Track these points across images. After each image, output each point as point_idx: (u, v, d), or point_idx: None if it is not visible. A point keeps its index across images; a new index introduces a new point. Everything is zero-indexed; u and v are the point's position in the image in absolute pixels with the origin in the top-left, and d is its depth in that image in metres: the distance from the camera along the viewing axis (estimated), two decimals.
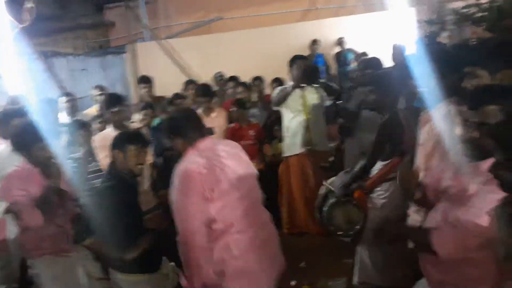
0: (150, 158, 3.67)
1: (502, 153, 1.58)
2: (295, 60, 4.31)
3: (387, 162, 2.92)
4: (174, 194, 2.10)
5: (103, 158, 3.65)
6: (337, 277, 3.49)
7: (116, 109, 3.72)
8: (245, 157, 2.35)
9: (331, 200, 3.15)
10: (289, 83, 4.41)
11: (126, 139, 2.52)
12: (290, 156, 4.39)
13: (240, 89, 5.17)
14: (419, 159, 2.39)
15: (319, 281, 3.53)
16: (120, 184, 2.42)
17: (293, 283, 3.55)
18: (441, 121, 2.17)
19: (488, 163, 1.65)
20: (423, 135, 2.35)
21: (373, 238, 3.01)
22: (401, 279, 2.75)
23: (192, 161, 2.11)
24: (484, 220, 1.60)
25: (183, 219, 2.06)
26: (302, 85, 4.23)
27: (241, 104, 4.70)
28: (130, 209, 2.38)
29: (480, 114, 1.66)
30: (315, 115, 4.33)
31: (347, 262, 3.72)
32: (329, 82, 4.55)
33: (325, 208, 3.18)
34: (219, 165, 2.14)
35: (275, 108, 4.53)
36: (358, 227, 3.07)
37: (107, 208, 2.32)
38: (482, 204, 1.62)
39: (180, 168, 2.11)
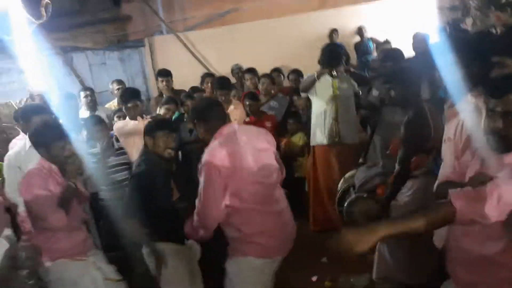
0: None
1: None
2: (326, 47, 4.24)
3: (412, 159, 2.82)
4: (200, 173, 2.31)
5: (124, 144, 3.76)
6: (359, 273, 3.43)
7: (131, 104, 3.77)
8: (266, 141, 2.50)
9: (352, 196, 3.09)
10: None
11: (155, 125, 2.76)
12: (316, 146, 4.29)
13: (264, 80, 5.07)
14: (447, 155, 2.29)
15: (341, 276, 3.47)
16: (151, 168, 2.63)
17: (314, 278, 3.52)
18: (468, 114, 2.08)
19: None
20: (450, 129, 2.25)
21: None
22: (427, 276, 2.67)
23: (213, 153, 2.27)
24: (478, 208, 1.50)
25: (203, 204, 2.30)
26: (330, 71, 4.06)
27: (252, 96, 4.64)
28: (160, 191, 2.61)
29: (504, 102, 1.57)
30: (345, 105, 4.19)
31: (369, 258, 3.66)
32: (357, 71, 4.40)
33: (346, 203, 3.12)
34: (238, 153, 2.29)
35: (303, 95, 4.45)
36: None
37: (140, 189, 2.57)
38: (494, 192, 1.52)
39: (204, 158, 2.28)
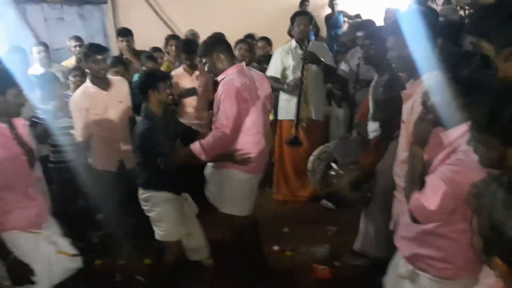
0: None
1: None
2: (296, 17, 4.06)
3: None
4: (221, 99, 2.63)
5: (78, 121, 3.31)
6: (320, 244, 3.43)
7: (100, 56, 3.34)
8: (266, 83, 2.94)
9: (339, 170, 2.92)
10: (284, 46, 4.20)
11: (156, 78, 2.84)
12: (284, 120, 4.19)
13: (241, 45, 4.73)
14: (401, 137, 2.21)
15: (302, 247, 3.47)
16: (155, 124, 2.78)
17: (275, 248, 3.49)
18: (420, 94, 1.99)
19: (456, 131, 1.54)
20: (404, 111, 2.12)
21: (383, 204, 2.89)
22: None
23: (237, 77, 2.65)
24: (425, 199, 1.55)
25: (226, 116, 2.60)
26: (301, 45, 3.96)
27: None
28: (163, 145, 2.79)
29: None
30: (314, 80, 4.08)
31: (330, 230, 3.68)
32: (330, 64, 4.19)
33: (332, 178, 2.95)
34: (253, 85, 2.73)
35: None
36: (369, 194, 2.91)
37: (146, 146, 2.76)
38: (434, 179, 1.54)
39: (228, 80, 2.65)
